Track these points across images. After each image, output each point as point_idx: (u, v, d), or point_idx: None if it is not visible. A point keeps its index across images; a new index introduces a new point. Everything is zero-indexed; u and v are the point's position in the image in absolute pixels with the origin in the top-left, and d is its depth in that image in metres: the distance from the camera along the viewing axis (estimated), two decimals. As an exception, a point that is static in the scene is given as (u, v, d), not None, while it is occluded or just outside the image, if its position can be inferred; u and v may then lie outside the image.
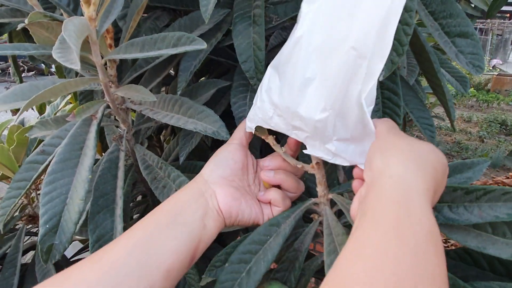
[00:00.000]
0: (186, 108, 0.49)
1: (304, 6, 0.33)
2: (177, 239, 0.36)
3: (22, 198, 0.72)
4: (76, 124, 0.48)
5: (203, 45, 0.39)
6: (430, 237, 0.24)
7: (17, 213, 0.70)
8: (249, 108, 0.47)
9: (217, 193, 0.40)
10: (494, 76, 6.02)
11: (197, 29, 0.54)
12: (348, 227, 0.39)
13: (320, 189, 0.43)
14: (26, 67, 1.45)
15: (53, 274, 0.64)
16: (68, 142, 0.47)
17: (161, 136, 0.92)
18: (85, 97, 0.67)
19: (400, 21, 0.43)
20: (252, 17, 0.51)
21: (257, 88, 0.44)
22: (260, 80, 0.48)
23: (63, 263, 0.74)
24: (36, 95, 0.35)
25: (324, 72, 0.33)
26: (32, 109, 1.55)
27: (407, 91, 0.54)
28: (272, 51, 0.62)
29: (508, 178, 1.84)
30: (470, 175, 0.42)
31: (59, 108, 0.81)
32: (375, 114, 0.47)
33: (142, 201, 0.80)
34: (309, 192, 0.48)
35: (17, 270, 0.67)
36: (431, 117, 0.53)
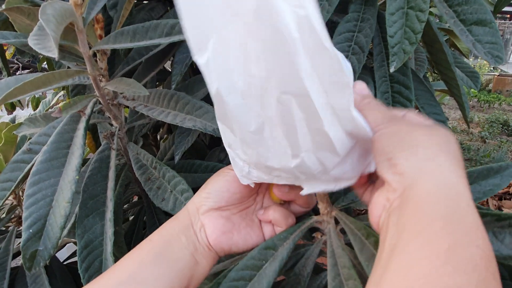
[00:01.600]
0: (183, 104, 0.46)
1: (198, 60, 0.26)
2: (164, 277, 0.33)
3: (10, 199, 0.69)
4: (63, 121, 0.45)
5: (198, 33, 0.36)
6: (489, 266, 0.20)
7: (4, 215, 0.67)
8: None
9: (205, 227, 0.36)
10: (495, 76, 5.97)
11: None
12: (349, 245, 0.35)
13: (323, 206, 0.39)
14: (21, 65, 1.42)
15: (44, 278, 0.61)
16: (55, 140, 0.44)
17: (157, 135, 0.88)
18: (78, 93, 0.64)
19: (412, 7, 0.40)
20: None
21: None
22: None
23: (55, 267, 0.71)
24: (14, 87, 0.32)
25: (270, 120, 0.28)
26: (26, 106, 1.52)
27: (417, 84, 0.51)
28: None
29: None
30: (497, 181, 0.36)
31: (51, 104, 0.77)
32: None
33: (137, 202, 0.76)
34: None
35: (7, 274, 0.64)
36: (443, 112, 0.50)
